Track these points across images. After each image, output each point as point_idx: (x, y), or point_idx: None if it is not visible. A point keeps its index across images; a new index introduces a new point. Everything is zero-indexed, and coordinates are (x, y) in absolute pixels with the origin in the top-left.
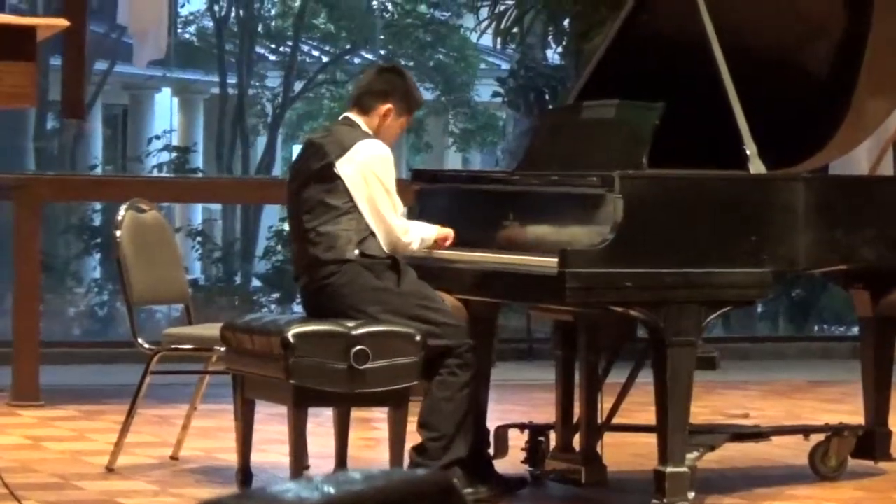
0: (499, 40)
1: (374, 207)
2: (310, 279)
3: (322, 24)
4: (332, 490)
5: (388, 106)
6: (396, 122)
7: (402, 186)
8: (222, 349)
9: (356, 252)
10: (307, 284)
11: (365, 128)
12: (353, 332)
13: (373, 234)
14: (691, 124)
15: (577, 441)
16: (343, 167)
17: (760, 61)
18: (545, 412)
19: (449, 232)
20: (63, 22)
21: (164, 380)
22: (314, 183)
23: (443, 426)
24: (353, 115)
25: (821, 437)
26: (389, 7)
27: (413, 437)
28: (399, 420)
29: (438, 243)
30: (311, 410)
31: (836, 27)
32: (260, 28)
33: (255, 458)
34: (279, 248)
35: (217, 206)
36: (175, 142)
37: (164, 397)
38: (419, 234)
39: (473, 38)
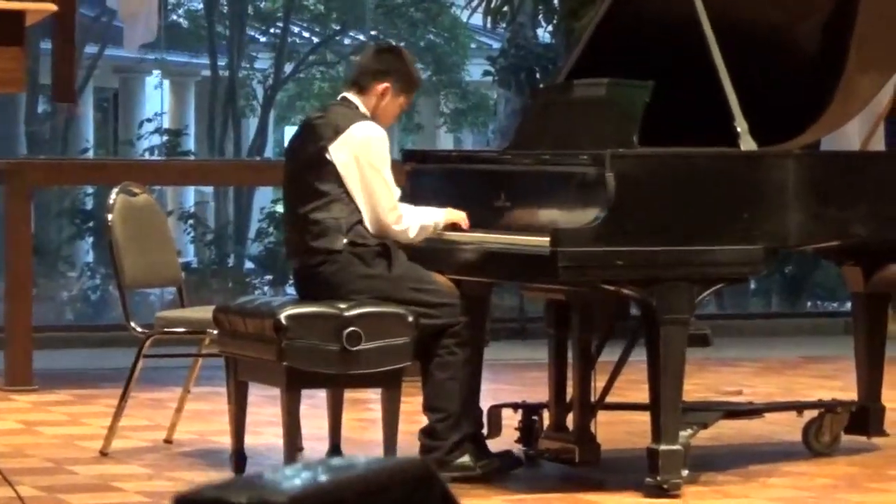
0: (489, 19)
1: (367, 192)
2: (301, 264)
3: (312, 4)
4: (309, 480)
5: (386, 85)
6: (394, 101)
7: (393, 168)
8: (215, 332)
9: (345, 241)
10: (299, 269)
11: (362, 108)
12: (346, 314)
13: (362, 221)
14: (682, 103)
15: (570, 420)
16: (336, 152)
17: (750, 38)
18: (538, 391)
19: (461, 215)
20: (51, 6)
21: (157, 363)
22: (307, 167)
23: (449, 406)
24: (350, 96)
25: (814, 413)
26: None
27: (407, 418)
28: (392, 400)
29: (453, 224)
30: (305, 392)
31: (825, 2)
32: (250, 10)
33: (249, 440)
34: (272, 230)
35: (209, 189)
36: (166, 125)
37: (158, 381)
38: (418, 222)
39: (464, 17)
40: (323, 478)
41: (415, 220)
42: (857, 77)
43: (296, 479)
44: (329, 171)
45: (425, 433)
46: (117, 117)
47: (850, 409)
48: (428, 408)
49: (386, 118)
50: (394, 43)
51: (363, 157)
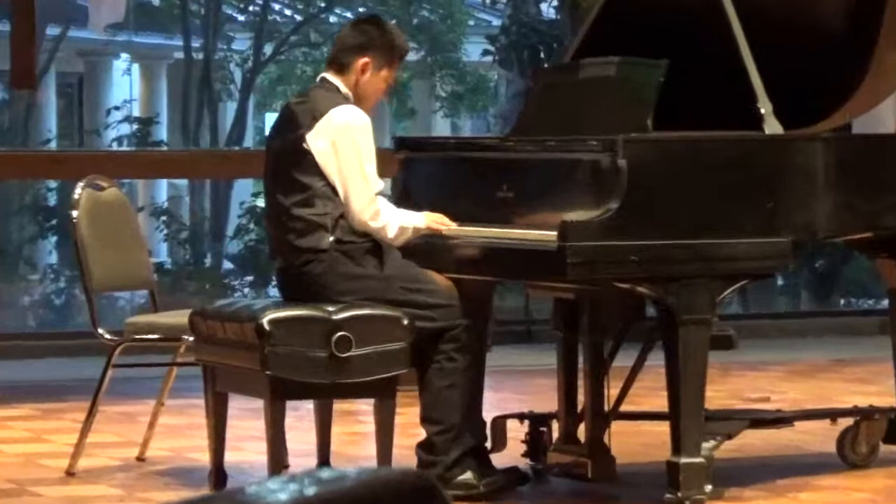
0: None
1: (343, 180)
2: (285, 264)
3: None
4: (294, 493)
5: (365, 59)
6: (378, 76)
7: (384, 156)
8: (191, 338)
9: (331, 239)
10: (283, 268)
11: (343, 88)
12: (335, 317)
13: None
14: (700, 83)
15: (581, 431)
16: (314, 140)
17: (774, 14)
18: (546, 400)
19: (441, 219)
20: None
21: (127, 373)
22: (286, 158)
23: (449, 417)
24: (329, 76)
25: (849, 421)
26: None
27: (402, 431)
28: (386, 412)
29: (433, 230)
30: (290, 404)
31: None
32: None
33: (230, 457)
34: (252, 226)
35: (183, 183)
36: (136, 112)
37: (129, 392)
38: (397, 221)
39: None
40: (311, 491)
41: (394, 219)
42: (890, 53)
43: (281, 493)
44: (309, 163)
45: (423, 448)
46: (82, 105)
47: (889, 417)
48: (426, 419)
49: (370, 97)
50: (373, 13)
51: (341, 143)
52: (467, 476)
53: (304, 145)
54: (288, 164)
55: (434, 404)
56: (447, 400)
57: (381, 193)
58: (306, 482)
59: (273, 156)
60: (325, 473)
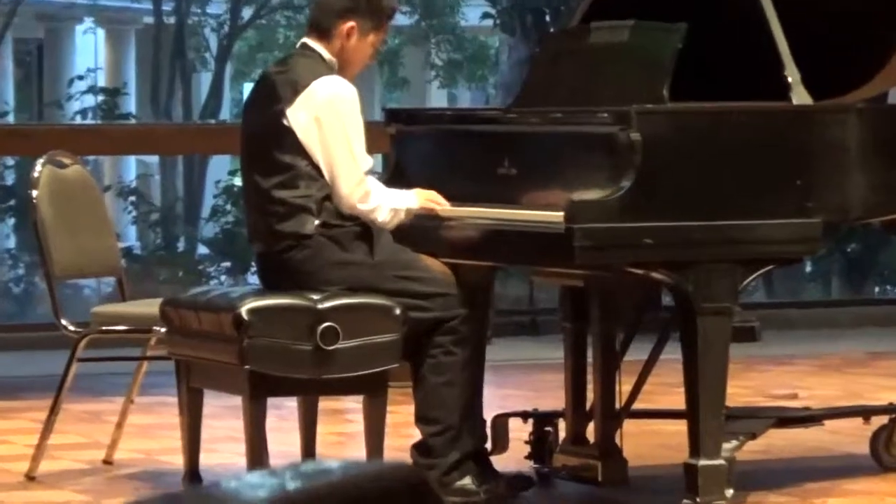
0: None
1: (328, 162)
2: (265, 249)
3: None
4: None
5: (351, 24)
6: (364, 41)
7: (374, 130)
8: (163, 330)
9: (316, 223)
10: (263, 253)
11: (327, 55)
12: (320, 307)
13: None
14: (721, 50)
15: (591, 431)
16: (295, 115)
17: None
18: (552, 397)
19: (435, 197)
20: None
21: (93, 368)
22: (264, 135)
23: (446, 416)
24: (311, 42)
25: (883, 419)
26: None
27: (394, 431)
28: (376, 410)
29: (427, 210)
30: (271, 401)
31: None
32: None
33: (205, 459)
34: (229, 207)
35: (154, 159)
36: (102, 83)
37: (95, 389)
38: (388, 203)
39: None
40: (293, 486)
41: (385, 200)
42: None
43: (260, 488)
44: (289, 141)
45: (418, 450)
46: (42, 74)
47: None
48: (421, 419)
49: (355, 63)
50: None
51: (325, 118)
52: (466, 482)
53: (285, 121)
54: (267, 142)
55: (430, 403)
56: (444, 398)
57: (370, 172)
58: (288, 476)
59: (250, 133)
60: (308, 467)
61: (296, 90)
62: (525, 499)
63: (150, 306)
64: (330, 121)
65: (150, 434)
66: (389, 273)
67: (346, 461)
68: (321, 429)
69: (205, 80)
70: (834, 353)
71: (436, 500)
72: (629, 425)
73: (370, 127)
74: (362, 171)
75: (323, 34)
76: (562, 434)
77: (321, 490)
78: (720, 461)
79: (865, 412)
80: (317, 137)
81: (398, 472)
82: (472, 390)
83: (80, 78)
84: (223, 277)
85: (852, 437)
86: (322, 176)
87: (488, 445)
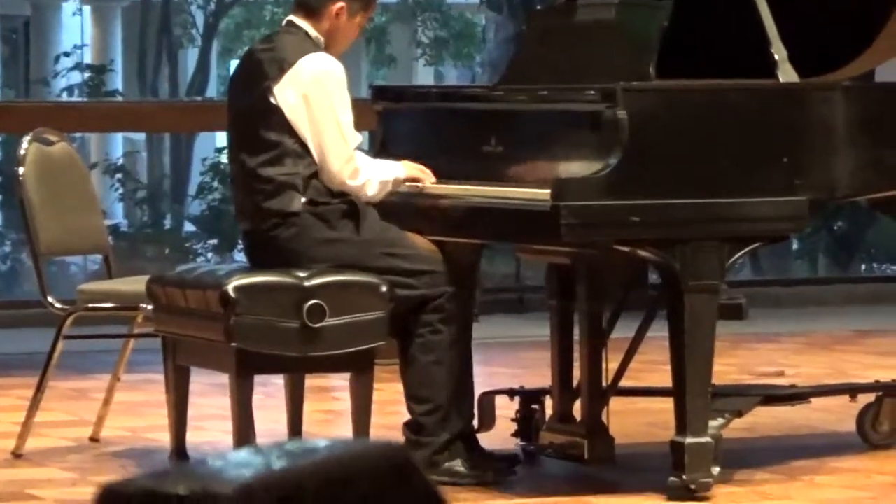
0: None
1: (317, 139)
2: (252, 227)
3: None
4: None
5: (341, 4)
6: (352, 22)
7: (361, 107)
8: (149, 308)
9: (303, 200)
10: (250, 232)
11: (313, 33)
12: (307, 284)
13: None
14: (707, 27)
15: (577, 409)
16: (282, 93)
17: None
18: (539, 375)
19: (422, 171)
20: None
21: (80, 346)
22: (251, 113)
23: (436, 395)
24: (298, 20)
25: (870, 397)
26: None
27: (380, 408)
28: (363, 388)
29: (413, 180)
30: (258, 379)
31: None
32: None
33: (192, 437)
34: (216, 184)
35: (140, 136)
36: (88, 60)
37: (81, 367)
38: (377, 177)
39: None
40: (278, 465)
41: (374, 174)
42: None
43: (246, 466)
44: (276, 118)
45: (410, 428)
46: (28, 51)
47: None
48: (412, 398)
49: (342, 42)
50: None
51: (313, 96)
52: (455, 463)
53: (272, 99)
54: (253, 120)
55: (420, 382)
56: (434, 376)
57: (358, 148)
58: (274, 455)
59: (236, 111)
60: (293, 446)
61: (282, 68)
62: (511, 477)
63: (136, 284)
64: (318, 98)
65: (137, 412)
66: (376, 250)
67: (331, 440)
68: (308, 406)
69: (191, 56)
70: (820, 330)
71: (420, 478)
72: (616, 403)
73: (357, 104)
74: (352, 147)
75: (311, 13)
76: (548, 412)
77: (306, 469)
78: (707, 439)
79: (852, 390)
80: (305, 115)
81: (383, 451)
82: (462, 369)
83: (67, 55)
84: (210, 255)
85: (839, 414)
86: (309, 153)
87: (475, 423)
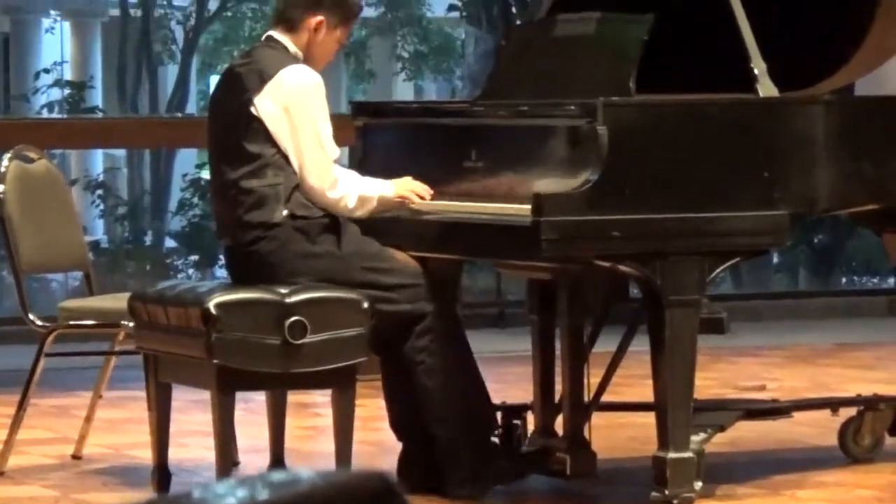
0: None
1: (297, 150)
2: (234, 242)
3: None
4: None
5: (319, 18)
6: (331, 36)
7: (340, 123)
8: (131, 324)
9: (285, 212)
10: (231, 247)
11: (293, 48)
12: (288, 301)
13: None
14: (687, 41)
15: (559, 424)
16: (262, 104)
17: None
18: (520, 390)
19: (416, 187)
20: None
21: (61, 363)
22: (232, 125)
23: (456, 409)
24: (277, 34)
25: (852, 411)
26: None
27: (362, 425)
28: (345, 404)
29: (404, 200)
30: (240, 395)
31: None
32: None
33: (174, 454)
34: (196, 200)
35: (121, 153)
36: (68, 76)
37: (63, 384)
38: (357, 191)
39: None
40: (262, 496)
41: (354, 188)
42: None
43: (229, 497)
44: (257, 130)
45: (443, 450)
46: (7, 67)
47: (895, 406)
48: (435, 422)
49: (322, 57)
50: None
51: (294, 107)
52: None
53: (252, 110)
54: (234, 132)
55: (438, 404)
56: (448, 395)
57: (337, 162)
58: (258, 486)
59: (217, 124)
60: (277, 476)
61: (262, 79)
62: (493, 491)
63: (117, 301)
64: (298, 109)
65: (119, 429)
66: (356, 264)
67: (316, 471)
68: (290, 422)
69: (171, 72)
70: (802, 344)
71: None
72: (598, 418)
73: (336, 119)
74: (331, 158)
75: (290, 26)
76: (530, 426)
77: (291, 498)
78: (689, 454)
79: (833, 404)
80: (285, 126)
81: (368, 481)
82: (472, 376)
83: (46, 71)
84: (191, 271)
85: (821, 428)
86: (290, 165)
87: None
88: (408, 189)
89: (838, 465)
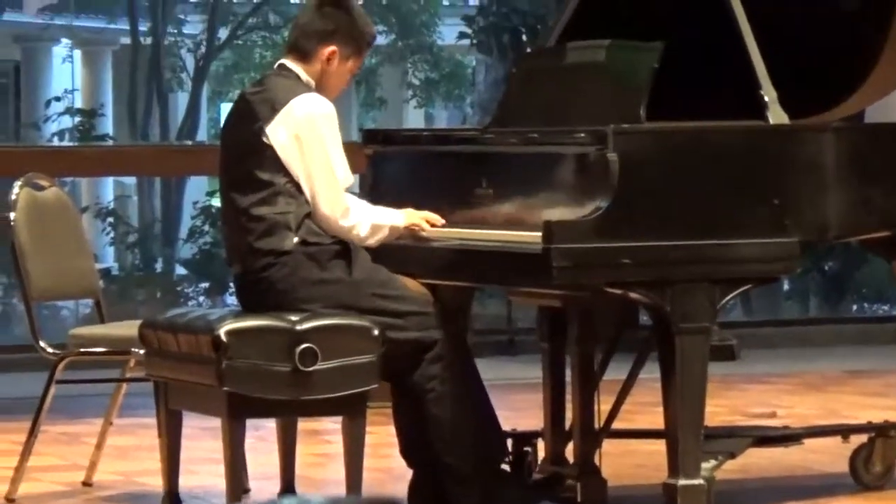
0: None
1: (308, 178)
2: (244, 269)
3: None
4: None
5: (332, 48)
6: (344, 66)
7: (351, 150)
8: (141, 352)
9: (295, 240)
10: (241, 274)
11: (305, 77)
12: (299, 328)
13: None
14: (698, 69)
15: (570, 451)
16: (274, 133)
17: None
18: (531, 417)
19: (427, 216)
20: None
21: (72, 390)
22: (243, 153)
23: (469, 439)
24: (289, 63)
25: (863, 438)
26: None
27: (373, 451)
28: (355, 431)
29: (415, 230)
30: (250, 422)
31: None
32: None
33: (184, 481)
34: (207, 227)
35: (131, 181)
36: (78, 104)
37: (73, 411)
38: (369, 220)
39: None
40: None
41: (366, 217)
42: None
43: None
44: (269, 158)
45: (455, 480)
46: (19, 95)
47: None
48: (449, 454)
49: (334, 87)
50: None
51: (305, 136)
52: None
53: (264, 139)
54: (246, 160)
55: (451, 434)
56: (460, 425)
57: (349, 190)
58: None
59: (228, 152)
60: (287, 503)
61: (274, 108)
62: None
63: (128, 328)
64: (309, 138)
65: (129, 456)
66: (366, 291)
67: (326, 497)
68: (300, 449)
69: (181, 100)
70: (812, 371)
71: None
72: (608, 445)
73: (348, 147)
74: (343, 187)
75: (303, 56)
76: (541, 454)
77: None
78: (699, 481)
79: (844, 431)
80: (297, 154)
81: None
82: (482, 405)
83: (58, 99)
84: (201, 298)
85: (832, 455)
86: (302, 193)
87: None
88: (419, 217)
89: (849, 492)
